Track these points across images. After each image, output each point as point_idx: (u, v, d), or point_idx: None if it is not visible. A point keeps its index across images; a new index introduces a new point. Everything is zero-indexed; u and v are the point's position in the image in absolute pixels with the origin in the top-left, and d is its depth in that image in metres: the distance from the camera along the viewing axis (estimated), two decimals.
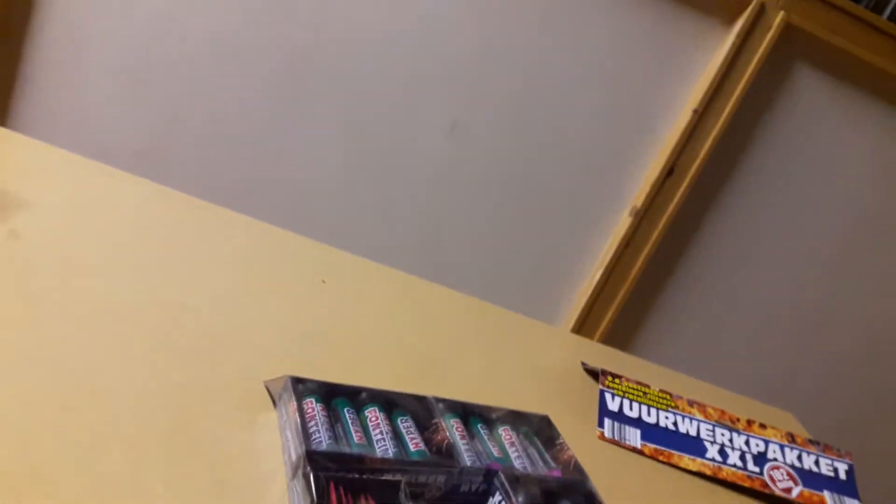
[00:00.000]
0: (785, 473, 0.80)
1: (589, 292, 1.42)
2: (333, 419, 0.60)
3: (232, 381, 0.62)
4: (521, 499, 0.58)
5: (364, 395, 0.63)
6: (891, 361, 1.63)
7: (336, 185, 1.40)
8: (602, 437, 0.79)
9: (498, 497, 0.59)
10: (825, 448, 0.84)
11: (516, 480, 0.60)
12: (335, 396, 0.62)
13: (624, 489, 0.72)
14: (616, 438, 0.79)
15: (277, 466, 0.55)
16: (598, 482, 0.62)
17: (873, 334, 1.60)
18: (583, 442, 0.69)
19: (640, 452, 0.79)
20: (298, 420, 0.57)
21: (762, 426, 0.85)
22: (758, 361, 1.59)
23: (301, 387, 0.61)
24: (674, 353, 1.52)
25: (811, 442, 0.85)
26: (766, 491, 0.78)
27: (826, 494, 0.79)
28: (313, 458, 0.53)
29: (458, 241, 1.44)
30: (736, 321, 1.57)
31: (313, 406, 0.59)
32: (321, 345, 0.74)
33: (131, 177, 0.88)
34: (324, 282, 0.87)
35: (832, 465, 0.83)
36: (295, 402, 0.59)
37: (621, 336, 1.51)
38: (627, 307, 1.47)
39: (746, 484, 0.78)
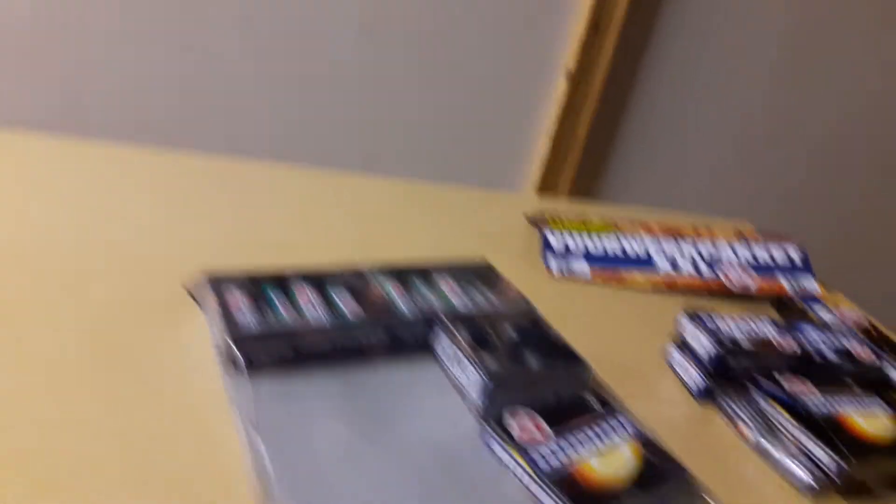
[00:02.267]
0: (739, 270, 0.80)
1: (543, 157, 1.40)
2: (261, 305, 0.58)
3: (154, 292, 0.60)
4: (465, 335, 0.57)
5: (291, 276, 0.61)
6: (850, 164, 1.63)
7: (252, 99, 1.35)
8: (551, 275, 0.78)
9: (443, 340, 0.58)
10: (774, 237, 0.84)
11: (459, 320, 0.59)
12: (260, 284, 0.60)
13: (579, 319, 0.71)
14: (564, 274, 0.78)
15: (208, 362, 0.53)
16: (551, 317, 0.61)
17: (829, 140, 1.60)
18: (531, 284, 0.68)
19: (591, 282, 0.78)
20: (220, 310, 0.55)
21: (710, 231, 0.84)
22: (722, 190, 1.59)
23: (221, 281, 0.59)
24: (641, 199, 1.50)
25: (761, 233, 0.85)
26: (724, 291, 0.78)
27: (782, 280, 0.79)
28: (240, 342, 0.52)
29: (397, 139, 1.40)
30: (694, 156, 1.56)
31: (236, 296, 0.57)
32: (250, 250, 0.71)
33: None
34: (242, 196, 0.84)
35: (784, 252, 0.83)
36: (215, 296, 0.56)
37: (583, 194, 1.49)
38: (583, 167, 1.45)
39: (701, 287, 0.78)
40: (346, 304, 0.59)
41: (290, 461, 0.45)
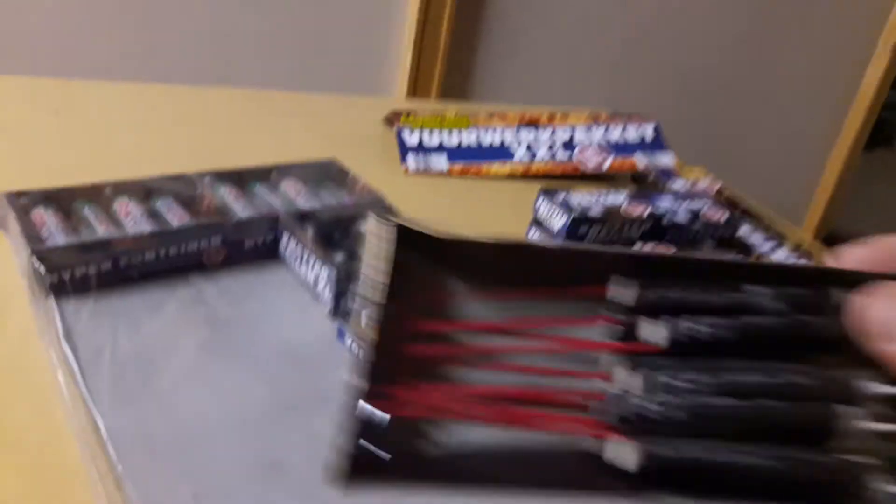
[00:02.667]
0: (594, 151, 0.79)
1: (408, 64, 1.34)
2: (74, 223, 0.51)
3: None
4: (311, 231, 0.53)
5: (109, 189, 0.55)
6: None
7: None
8: (408, 172, 0.74)
9: (286, 238, 0.54)
10: (629, 118, 0.84)
11: (302, 217, 0.54)
12: (73, 200, 0.53)
13: (437, 212, 0.68)
14: (423, 169, 0.75)
15: (15, 291, 0.47)
16: (409, 213, 0.58)
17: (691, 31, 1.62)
18: (387, 183, 0.64)
19: (449, 174, 0.75)
20: (21, 229, 0.48)
21: (566, 117, 0.83)
22: (585, 83, 1.59)
23: (23, 199, 0.51)
24: (509, 98, 1.48)
25: (616, 115, 0.84)
26: (578, 173, 0.77)
27: (636, 157, 0.79)
28: (45, 257, 0.45)
29: (255, 48, 1.30)
30: (556, 51, 1.54)
31: (42, 214, 0.50)
32: (69, 169, 0.63)
33: None
34: (57, 112, 0.75)
35: (639, 130, 0.82)
36: (17, 216, 0.49)
37: (453, 97, 1.45)
38: (450, 69, 1.40)
39: (558, 171, 0.77)
40: (174, 214, 0.53)
41: (121, 385, 0.40)
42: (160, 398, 0.40)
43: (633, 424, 0.22)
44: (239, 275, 0.52)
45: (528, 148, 0.79)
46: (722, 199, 0.77)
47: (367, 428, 0.23)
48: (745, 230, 0.70)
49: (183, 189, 0.56)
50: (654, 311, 0.24)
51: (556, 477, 0.23)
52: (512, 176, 0.76)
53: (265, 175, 0.61)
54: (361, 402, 0.23)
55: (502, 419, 0.23)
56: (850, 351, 0.24)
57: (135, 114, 0.79)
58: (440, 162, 0.76)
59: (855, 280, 0.24)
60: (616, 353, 0.24)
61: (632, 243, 0.59)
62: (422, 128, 0.79)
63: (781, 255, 0.67)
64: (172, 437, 0.37)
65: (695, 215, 0.63)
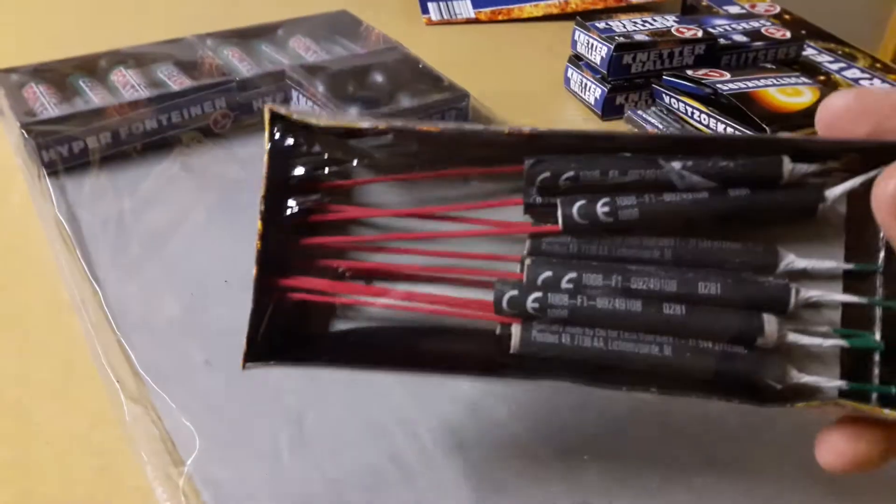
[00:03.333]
0: None
1: None
2: (68, 96, 0.47)
3: None
4: (321, 85, 0.48)
5: (104, 60, 0.50)
6: None
7: None
8: (430, 22, 0.68)
9: (296, 96, 0.49)
10: None
11: (312, 71, 0.49)
12: (67, 74, 0.49)
13: (464, 60, 0.62)
14: (446, 17, 0.68)
15: (13, 172, 0.44)
16: (433, 63, 0.52)
17: None
18: (408, 34, 0.58)
19: (477, 21, 0.68)
20: (12, 106, 0.45)
21: None
22: None
23: (13, 76, 0.48)
24: None
25: None
26: (623, 3, 0.69)
27: None
28: (33, 129, 0.42)
29: None
30: None
31: (34, 90, 0.47)
32: (58, 41, 0.59)
33: None
34: None
35: None
36: (5, 92, 0.46)
37: None
38: None
39: (600, 5, 0.69)
40: (175, 80, 0.49)
41: (125, 256, 0.37)
42: (167, 266, 0.37)
43: (517, 312, 0.21)
44: (247, 139, 0.48)
45: None
46: (783, 19, 0.68)
47: (268, 314, 0.23)
48: (811, 51, 0.62)
49: (184, 54, 0.52)
50: (552, 190, 0.22)
51: (454, 352, 0.23)
52: (547, 16, 0.69)
53: (271, 33, 0.56)
54: (259, 292, 0.23)
55: (405, 301, 0.23)
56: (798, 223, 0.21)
57: None
58: (465, 7, 0.69)
59: (812, 148, 0.21)
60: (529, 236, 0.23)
61: (683, 70, 0.53)
62: None
63: (852, 75, 0.59)
64: (180, 304, 0.35)
65: (754, 33, 0.56)
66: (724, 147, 0.21)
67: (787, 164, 0.20)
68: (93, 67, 0.50)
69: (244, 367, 0.22)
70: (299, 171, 0.24)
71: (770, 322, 0.20)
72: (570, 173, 0.21)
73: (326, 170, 0.24)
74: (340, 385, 0.31)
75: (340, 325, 0.24)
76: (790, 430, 0.30)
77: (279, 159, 0.23)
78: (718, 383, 0.20)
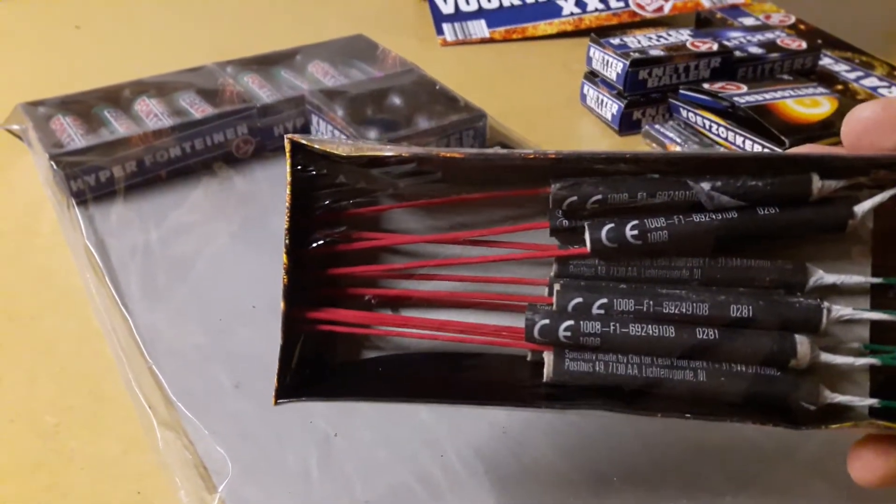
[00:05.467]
0: None
1: None
2: (94, 126, 0.48)
3: None
4: (340, 109, 0.49)
5: (127, 90, 0.52)
6: None
7: None
8: (445, 43, 0.69)
9: (315, 120, 0.50)
10: None
11: (331, 95, 0.50)
12: (92, 105, 0.50)
13: (480, 79, 0.63)
14: (461, 38, 0.69)
15: (42, 202, 0.45)
16: (449, 83, 0.52)
17: None
18: (423, 55, 0.59)
19: (492, 40, 0.69)
20: (42, 139, 0.46)
21: None
22: None
23: (41, 108, 0.49)
24: None
25: None
26: (637, 18, 0.70)
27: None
28: (61, 160, 0.43)
29: None
30: None
31: (61, 122, 0.48)
32: (81, 73, 0.61)
33: None
34: (78, 27, 0.72)
35: None
36: (33, 124, 0.47)
37: None
38: None
39: (614, 21, 0.70)
40: (197, 108, 0.50)
41: (152, 284, 0.38)
42: (194, 292, 0.38)
43: (549, 341, 0.21)
44: (269, 164, 0.49)
45: (577, 0, 0.71)
46: (799, 29, 0.68)
47: (298, 348, 0.23)
48: (827, 60, 0.62)
49: (205, 82, 0.53)
50: (579, 213, 0.22)
51: (486, 379, 0.23)
52: (561, 33, 0.70)
53: (289, 58, 0.57)
54: (287, 326, 0.22)
55: (436, 330, 0.22)
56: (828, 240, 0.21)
57: (156, 18, 0.75)
58: (479, 28, 0.70)
59: (841, 164, 0.20)
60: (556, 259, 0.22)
61: (699, 84, 0.53)
62: None
63: (871, 84, 0.59)
64: (208, 329, 0.35)
65: (770, 45, 0.56)
66: (752, 165, 0.21)
67: (817, 182, 0.20)
68: (117, 98, 0.51)
69: (276, 403, 0.22)
70: (323, 201, 0.23)
71: (803, 343, 0.20)
72: (598, 196, 0.21)
73: (350, 200, 0.24)
74: (368, 407, 0.31)
75: (370, 354, 0.24)
76: (821, 445, 0.29)
77: (302, 190, 0.23)
78: (752, 406, 0.20)
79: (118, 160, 0.45)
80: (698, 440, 0.30)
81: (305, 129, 0.51)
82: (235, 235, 0.42)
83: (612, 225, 0.21)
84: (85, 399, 0.32)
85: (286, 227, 0.22)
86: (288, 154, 0.22)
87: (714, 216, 0.21)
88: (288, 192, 0.22)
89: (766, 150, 0.21)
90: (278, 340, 0.22)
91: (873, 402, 0.20)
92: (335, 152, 0.22)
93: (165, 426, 0.30)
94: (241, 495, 0.27)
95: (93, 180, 0.44)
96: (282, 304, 0.22)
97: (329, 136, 0.49)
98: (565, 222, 0.22)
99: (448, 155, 0.22)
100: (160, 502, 0.28)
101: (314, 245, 0.23)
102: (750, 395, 0.20)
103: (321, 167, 0.23)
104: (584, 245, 0.21)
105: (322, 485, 0.28)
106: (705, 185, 0.20)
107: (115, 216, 0.43)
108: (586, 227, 0.21)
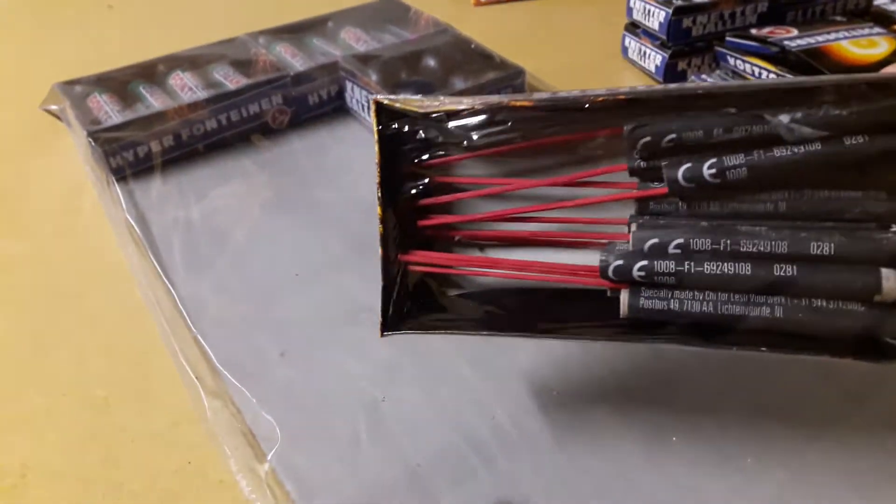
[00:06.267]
0: None
1: None
2: (130, 103, 0.48)
3: (11, 124, 0.51)
4: (374, 74, 0.48)
5: (161, 65, 0.51)
6: None
7: None
8: (478, 3, 0.67)
9: (350, 86, 0.49)
10: None
11: (364, 60, 0.49)
12: (128, 82, 0.50)
13: (518, 37, 0.61)
14: None
15: (83, 180, 0.45)
16: (485, 43, 0.51)
17: None
18: (457, 17, 0.57)
19: None
20: (80, 117, 0.46)
21: None
22: None
23: (77, 87, 0.49)
24: None
25: None
26: None
27: None
28: (98, 136, 0.43)
29: None
30: None
31: (98, 99, 0.48)
32: (114, 51, 0.61)
33: None
34: (110, 6, 0.72)
35: None
36: (70, 103, 0.47)
37: None
38: None
39: None
40: (231, 80, 0.49)
41: (193, 256, 0.38)
42: (237, 263, 0.37)
43: (624, 280, 0.21)
44: (306, 133, 0.48)
45: None
46: None
47: (396, 287, 0.24)
48: (882, 0, 0.59)
49: (237, 53, 0.52)
50: (655, 152, 0.21)
51: (570, 313, 0.24)
52: None
53: (321, 26, 0.56)
54: (385, 269, 0.24)
55: (517, 270, 0.23)
56: None
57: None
58: None
59: None
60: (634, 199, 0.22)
61: (747, 29, 0.50)
62: None
63: None
64: (252, 298, 0.35)
65: None
66: (834, 93, 0.19)
67: None
68: (151, 73, 0.51)
69: (382, 335, 0.24)
70: (406, 155, 0.25)
71: (889, 278, 0.19)
72: (672, 135, 0.21)
73: (431, 152, 0.25)
74: (411, 368, 0.31)
75: (460, 291, 0.26)
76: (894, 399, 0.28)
77: (387, 146, 0.24)
78: (833, 341, 0.19)
79: (155, 135, 0.45)
80: (757, 396, 0.29)
81: (340, 97, 0.50)
82: (275, 206, 0.41)
83: (689, 164, 0.21)
84: (133, 372, 0.32)
85: (377, 181, 0.24)
86: (373, 113, 0.24)
87: (796, 149, 0.20)
88: (376, 149, 0.24)
89: (848, 76, 0.19)
90: (379, 282, 0.24)
91: None
92: (412, 109, 0.24)
93: (213, 396, 0.30)
94: (290, 462, 0.27)
95: (131, 156, 0.44)
96: (379, 250, 0.24)
97: (365, 100, 0.48)
98: (643, 163, 0.22)
99: (518, 103, 0.22)
100: (211, 471, 0.27)
101: (403, 195, 0.25)
102: (832, 329, 0.19)
103: (403, 125, 0.24)
104: (663, 185, 0.21)
105: (371, 449, 0.28)
106: (784, 118, 0.20)
107: (154, 191, 0.43)
108: (663, 168, 0.21)
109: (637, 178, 0.22)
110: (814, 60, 0.44)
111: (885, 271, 0.19)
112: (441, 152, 0.25)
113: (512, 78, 0.47)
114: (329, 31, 0.56)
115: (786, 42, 0.46)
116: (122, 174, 0.44)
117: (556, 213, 0.24)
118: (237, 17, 0.67)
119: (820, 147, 0.19)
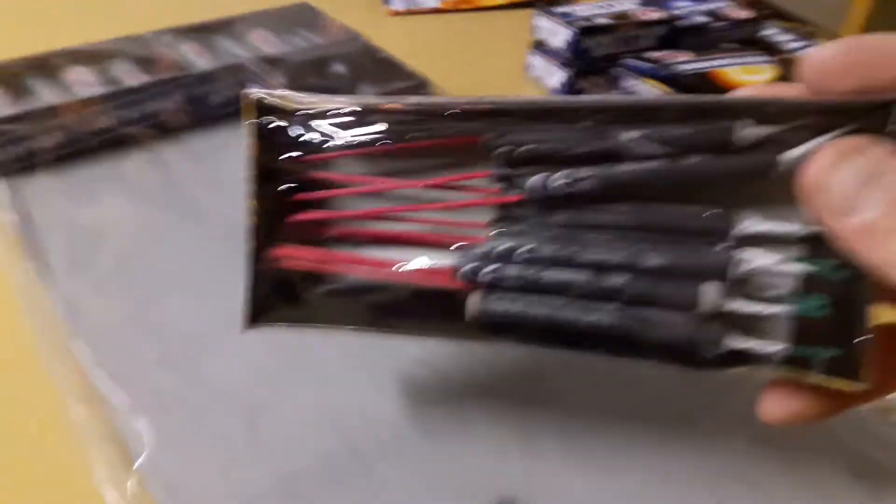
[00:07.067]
0: None
1: None
2: (21, 96, 0.47)
3: None
4: (281, 77, 0.48)
5: (58, 59, 0.50)
6: None
7: None
8: (394, 13, 0.67)
9: (254, 88, 0.49)
10: None
11: (271, 63, 0.49)
12: (20, 74, 0.48)
13: (427, 50, 0.62)
14: (409, 7, 0.68)
15: None
16: (396, 54, 0.51)
17: None
18: (370, 25, 0.57)
19: (441, 10, 0.68)
20: None
21: None
22: None
23: None
24: None
25: None
26: None
27: None
28: None
29: None
30: None
31: None
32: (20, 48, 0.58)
33: None
34: None
35: None
36: None
37: None
38: None
39: None
40: (132, 77, 0.48)
41: (77, 258, 0.37)
42: (120, 267, 0.36)
43: (473, 282, 0.23)
44: (205, 135, 0.48)
45: None
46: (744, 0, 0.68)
47: (259, 281, 0.24)
48: (772, 31, 0.62)
49: (141, 50, 0.51)
50: (513, 161, 0.23)
51: (418, 315, 0.24)
52: (512, 4, 0.69)
53: (229, 27, 0.55)
54: (251, 261, 0.24)
55: (373, 269, 0.24)
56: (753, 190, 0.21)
57: None
58: None
59: (775, 111, 0.20)
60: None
61: (645, 52, 0.52)
62: None
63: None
64: (132, 304, 0.34)
65: (713, 15, 0.56)
66: (678, 112, 0.21)
67: (738, 130, 0.20)
68: (46, 66, 0.49)
69: (244, 329, 0.24)
70: (279, 151, 0.25)
71: (706, 293, 0.20)
72: (529, 146, 0.22)
73: (304, 150, 0.25)
74: (290, 374, 0.31)
75: (327, 287, 0.26)
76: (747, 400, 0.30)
77: (259, 142, 0.24)
78: (661, 349, 0.21)
79: (46, 129, 0.43)
80: (628, 398, 0.30)
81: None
82: (166, 207, 0.41)
83: (543, 175, 0.22)
84: (1, 375, 0.31)
85: (250, 173, 0.24)
86: (247, 108, 0.24)
87: (643, 165, 0.21)
88: (249, 142, 0.24)
89: (692, 96, 0.20)
90: (245, 277, 0.24)
91: (780, 348, 0.20)
92: (290, 105, 0.24)
93: (83, 402, 0.29)
94: (161, 468, 0.27)
95: (20, 150, 0.43)
96: (248, 243, 0.24)
97: (275, 93, 0.48)
98: (506, 169, 0.23)
99: (389, 107, 0.23)
100: (79, 478, 0.27)
101: (273, 191, 0.25)
102: (658, 337, 0.21)
103: (278, 120, 0.24)
104: (520, 192, 0.22)
105: (247, 457, 0.27)
106: (634, 134, 0.21)
107: (42, 188, 0.42)
108: (520, 176, 0.22)
109: (502, 184, 0.23)
110: (702, 84, 0.46)
111: (704, 286, 0.20)
112: (316, 149, 0.25)
113: (417, 88, 0.48)
114: (238, 31, 0.55)
115: (678, 66, 0.48)
116: (7, 170, 0.42)
117: (423, 214, 0.25)
118: (145, 13, 0.66)
119: (664, 164, 0.21)
